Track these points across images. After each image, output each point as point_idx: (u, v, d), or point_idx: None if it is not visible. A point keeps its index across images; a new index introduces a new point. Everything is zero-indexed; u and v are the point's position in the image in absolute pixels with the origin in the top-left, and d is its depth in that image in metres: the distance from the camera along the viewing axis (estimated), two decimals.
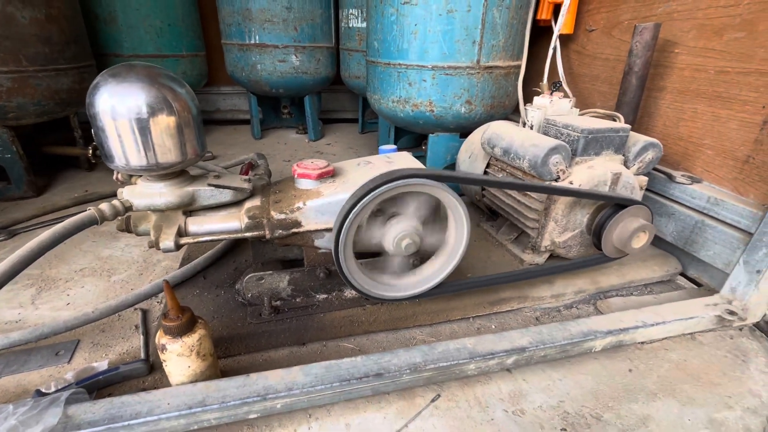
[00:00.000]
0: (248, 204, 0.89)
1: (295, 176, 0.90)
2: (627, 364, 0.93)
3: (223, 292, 1.04)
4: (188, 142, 0.79)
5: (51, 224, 1.44)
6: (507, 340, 0.85)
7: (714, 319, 0.98)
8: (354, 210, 0.77)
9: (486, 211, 1.45)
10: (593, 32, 1.47)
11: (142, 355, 0.88)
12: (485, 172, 1.28)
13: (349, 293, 1.00)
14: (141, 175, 0.83)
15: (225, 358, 0.90)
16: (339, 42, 2.40)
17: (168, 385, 0.78)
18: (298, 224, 0.86)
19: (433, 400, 0.81)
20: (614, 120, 1.15)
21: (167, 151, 0.77)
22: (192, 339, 0.71)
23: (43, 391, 0.77)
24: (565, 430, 0.77)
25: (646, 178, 1.09)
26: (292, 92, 2.38)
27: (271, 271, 0.94)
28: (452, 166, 1.68)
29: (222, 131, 2.78)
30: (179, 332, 0.70)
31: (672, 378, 0.90)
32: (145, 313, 1.01)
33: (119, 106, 0.72)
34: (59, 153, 1.76)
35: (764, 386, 0.90)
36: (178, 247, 0.80)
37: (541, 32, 1.67)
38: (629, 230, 0.94)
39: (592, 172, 1.00)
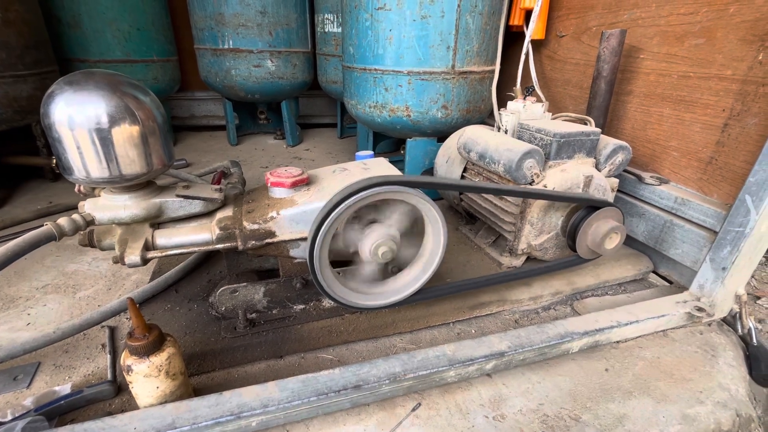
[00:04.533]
0: (220, 214, 0.86)
1: (269, 185, 0.88)
2: (603, 364, 0.94)
3: (196, 306, 1.00)
4: (154, 152, 0.76)
5: (10, 238, 1.36)
6: (486, 346, 0.85)
7: (684, 316, 1.00)
8: (328, 219, 0.75)
9: (464, 215, 1.46)
10: (563, 38, 1.51)
11: (109, 376, 0.84)
12: (462, 176, 1.29)
13: (327, 303, 0.98)
14: (104, 188, 0.80)
15: (198, 375, 0.86)
16: (315, 47, 2.39)
17: (136, 407, 0.74)
18: (272, 234, 0.84)
19: (413, 409, 0.80)
20: (585, 124, 1.18)
21: (131, 162, 0.73)
22: (160, 358, 0.67)
23: (31, 406, 0.72)
24: None
25: (617, 180, 1.12)
26: (269, 97, 2.35)
27: (245, 283, 0.91)
28: (431, 170, 1.69)
29: (197, 137, 2.72)
30: (146, 352, 0.66)
31: (646, 376, 0.92)
32: (112, 331, 0.97)
33: (77, 116, 0.68)
34: (21, 163, 1.67)
35: (733, 379, 0.93)
36: (145, 261, 0.77)
37: (514, 38, 1.70)
38: (602, 232, 0.96)
39: (565, 175, 1.02)
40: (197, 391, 0.82)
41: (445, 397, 0.83)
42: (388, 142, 2.22)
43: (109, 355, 0.89)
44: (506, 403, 0.83)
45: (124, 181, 0.74)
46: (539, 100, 1.21)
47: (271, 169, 0.91)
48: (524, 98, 1.18)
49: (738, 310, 1.05)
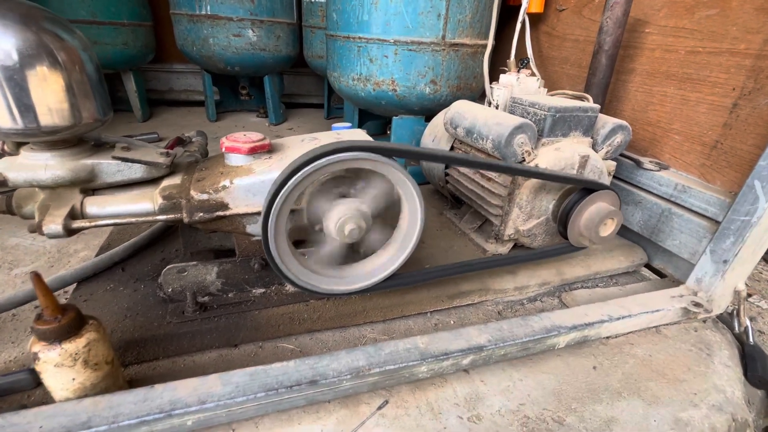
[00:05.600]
0: (165, 182, 0.75)
1: (223, 150, 0.77)
2: (591, 361, 0.86)
3: (143, 287, 0.89)
4: (81, 103, 0.65)
5: None
6: (463, 338, 0.76)
7: (680, 311, 0.93)
8: (285, 186, 0.65)
9: (450, 199, 1.36)
10: (563, 12, 1.40)
11: (28, 365, 0.73)
12: None
13: (290, 287, 0.88)
14: (22, 143, 0.68)
15: (138, 364, 0.76)
16: (301, 19, 2.24)
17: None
18: (224, 206, 0.73)
19: (380, 407, 0.71)
20: (583, 101, 1.08)
21: (50, 112, 0.62)
22: (75, 345, 0.57)
23: None
24: None
25: (614, 164, 1.03)
26: (250, 71, 2.20)
27: (195, 262, 0.81)
28: None
29: (175, 113, 2.56)
30: (57, 337, 0.56)
31: (637, 375, 0.84)
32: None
33: None
34: None
35: (728, 381, 0.86)
36: (69, 232, 0.66)
37: (510, 12, 1.59)
38: (597, 217, 0.87)
39: (559, 155, 0.92)
40: (133, 384, 0.72)
41: (415, 395, 0.75)
42: (376, 123, 2.11)
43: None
44: (483, 402, 0.74)
45: (41, 134, 0.62)
46: (533, 75, 1.11)
47: (228, 135, 0.79)
48: (518, 71, 1.08)
49: (735, 306, 0.97)
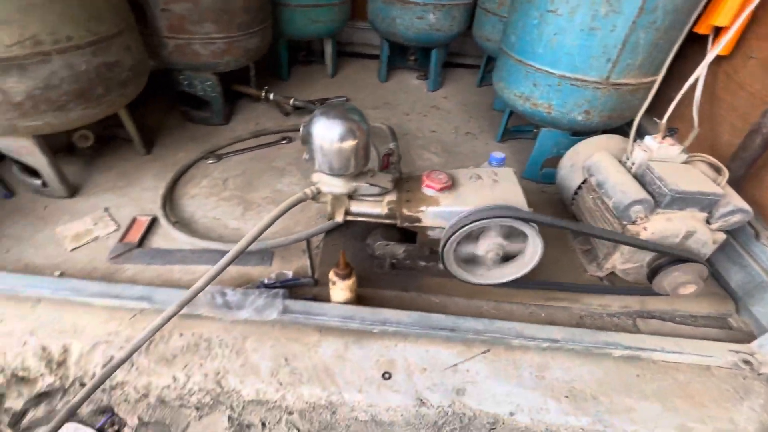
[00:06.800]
0: (388, 198, 1.29)
1: (423, 185, 1.26)
2: (637, 370, 1.23)
3: (358, 243, 1.53)
4: (359, 158, 1.18)
5: (239, 152, 2.03)
6: (546, 332, 1.21)
7: (729, 362, 1.20)
8: (459, 231, 1.13)
9: (572, 217, 1.66)
10: (751, 60, 1.39)
11: (310, 273, 1.44)
12: (579, 187, 1.48)
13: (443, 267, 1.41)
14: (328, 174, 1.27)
15: (361, 288, 1.42)
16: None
17: (326, 298, 1.31)
18: (419, 220, 1.25)
19: (483, 353, 1.25)
20: (718, 173, 1.23)
21: (347, 163, 1.17)
22: (349, 282, 1.20)
23: (266, 282, 1.37)
24: (567, 397, 1.16)
25: (724, 236, 1.22)
26: (422, 45, 2.54)
27: (395, 242, 1.38)
28: (556, 159, 1.84)
29: (352, 67, 3.09)
30: (343, 277, 1.19)
31: (669, 391, 1.18)
32: (308, 243, 1.56)
33: (325, 133, 1.12)
34: (241, 90, 2.29)
35: (747, 419, 1.15)
36: (343, 221, 1.27)
37: (692, 39, 1.57)
38: (678, 282, 1.15)
39: (668, 225, 1.18)
40: (359, 299, 1.37)
41: (507, 353, 1.25)
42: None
43: (308, 260, 1.49)
44: (548, 369, 1.21)
45: (340, 173, 1.19)
46: (677, 141, 1.27)
47: (428, 172, 1.28)
48: (663, 138, 1.27)
49: None
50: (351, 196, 1.29)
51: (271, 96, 2.22)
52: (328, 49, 2.72)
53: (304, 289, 1.41)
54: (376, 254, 1.42)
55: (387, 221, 1.27)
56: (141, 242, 1.51)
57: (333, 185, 1.24)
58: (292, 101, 2.22)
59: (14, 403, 1.23)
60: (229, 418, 1.20)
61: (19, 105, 1.25)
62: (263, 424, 1.22)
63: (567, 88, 1.54)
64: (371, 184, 1.25)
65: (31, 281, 1.24)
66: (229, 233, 1.60)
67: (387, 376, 1.17)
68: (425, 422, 1.15)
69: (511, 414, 1.13)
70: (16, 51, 1.15)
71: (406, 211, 1.25)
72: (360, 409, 1.14)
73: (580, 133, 1.72)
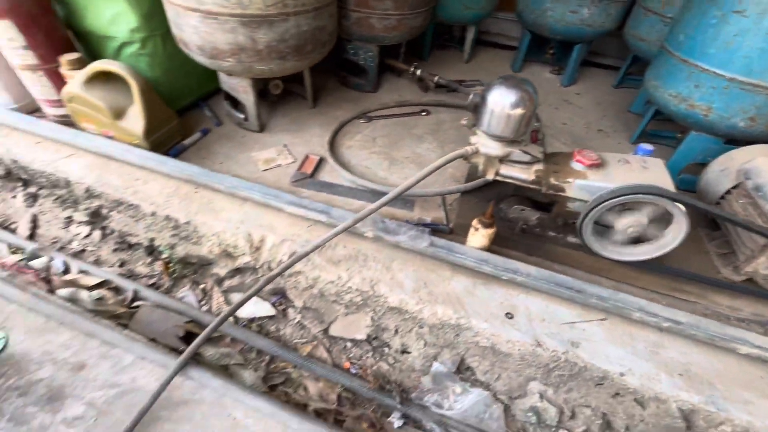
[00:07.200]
0: (536, 167, 1.45)
1: (574, 159, 1.40)
2: (762, 373, 1.24)
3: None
4: (522, 126, 1.36)
5: (386, 117, 2.32)
6: (670, 312, 1.28)
7: None
8: (607, 201, 1.25)
9: (709, 220, 1.65)
10: None
11: (445, 222, 1.67)
12: (727, 192, 1.48)
13: (571, 239, 1.54)
14: (486, 134, 1.47)
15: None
16: None
17: (461, 242, 1.53)
18: (563, 190, 1.40)
19: (601, 319, 1.36)
20: None
21: (511, 129, 1.36)
22: (490, 231, 1.40)
23: (415, 222, 1.63)
24: (681, 375, 1.23)
25: None
26: (568, 40, 2.58)
27: (529, 208, 1.54)
28: (694, 167, 1.81)
29: (486, 55, 3.23)
30: (486, 226, 1.40)
31: None
32: (443, 199, 1.79)
33: (500, 99, 1.31)
34: (391, 64, 2.59)
35: None
36: (493, 180, 1.46)
37: None
38: None
39: None
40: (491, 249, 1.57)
41: (624, 324, 1.35)
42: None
43: (444, 212, 1.72)
44: (665, 349, 1.29)
45: (502, 138, 1.39)
46: None
47: (578, 149, 1.41)
48: None
49: None
50: (502, 159, 1.48)
51: (419, 72, 2.48)
52: (470, 35, 2.89)
53: (439, 234, 1.64)
54: (509, 218, 1.60)
55: (532, 186, 1.44)
56: (313, 174, 1.88)
57: (491, 147, 1.44)
58: (436, 78, 2.46)
59: (220, 270, 1.68)
60: (371, 318, 1.50)
61: (259, 52, 1.65)
62: (396, 331, 1.50)
63: (735, 92, 1.53)
64: (524, 152, 1.42)
65: (245, 185, 1.66)
66: (378, 180, 1.90)
67: (509, 315, 1.36)
68: (538, 362, 1.32)
69: (622, 375, 1.25)
70: (271, 10, 1.54)
71: (553, 180, 1.40)
72: (483, 335, 1.35)
73: (735, 141, 1.68)
